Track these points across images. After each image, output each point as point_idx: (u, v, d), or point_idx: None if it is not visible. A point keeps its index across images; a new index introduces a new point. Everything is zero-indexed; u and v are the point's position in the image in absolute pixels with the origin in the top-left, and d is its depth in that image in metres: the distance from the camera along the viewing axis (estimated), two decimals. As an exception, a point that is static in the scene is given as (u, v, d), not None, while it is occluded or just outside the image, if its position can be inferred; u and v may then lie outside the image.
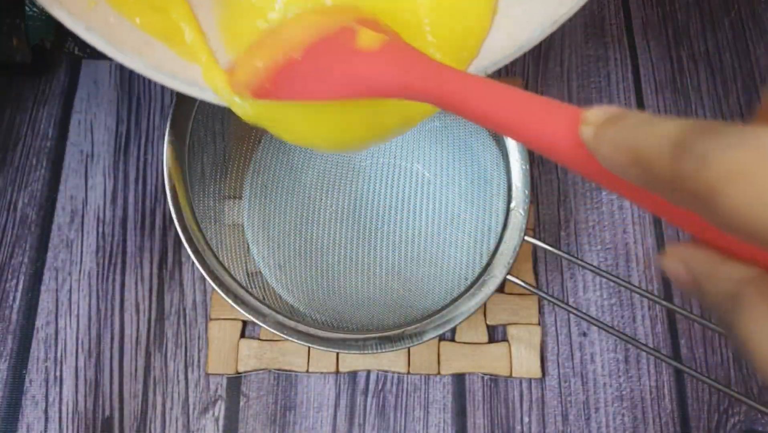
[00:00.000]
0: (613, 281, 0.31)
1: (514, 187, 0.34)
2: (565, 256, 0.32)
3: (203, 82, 0.28)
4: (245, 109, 0.28)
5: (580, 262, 0.32)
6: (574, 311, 0.31)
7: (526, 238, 0.33)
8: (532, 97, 0.19)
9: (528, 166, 0.34)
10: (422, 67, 0.23)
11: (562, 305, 0.32)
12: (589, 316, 0.31)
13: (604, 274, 0.31)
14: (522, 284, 0.33)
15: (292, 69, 0.25)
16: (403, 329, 0.32)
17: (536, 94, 0.19)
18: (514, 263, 0.32)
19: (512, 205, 0.33)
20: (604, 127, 0.15)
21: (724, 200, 0.12)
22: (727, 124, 0.12)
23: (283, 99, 0.26)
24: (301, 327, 0.32)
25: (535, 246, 0.41)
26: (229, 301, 0.32)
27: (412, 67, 0.23)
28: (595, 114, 0.16)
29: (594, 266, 0.31)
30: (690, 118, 0.16)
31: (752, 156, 0.11)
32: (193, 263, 0.41)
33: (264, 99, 0.26)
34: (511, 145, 0.34)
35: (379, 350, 0.31)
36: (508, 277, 0.32)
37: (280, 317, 0.32)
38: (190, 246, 0.32)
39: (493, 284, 0.32)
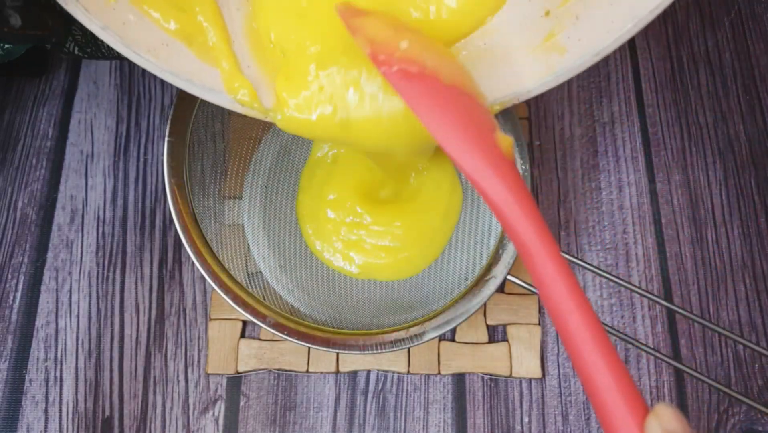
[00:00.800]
0: (613, 281, 0.31)
1: None
2: (565, 255, 0.32)
3: (222, 87, 0.28)
4: (275, 118, 0.28)
5: (580, 262, 0.32)
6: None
7: None
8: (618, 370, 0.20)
9: (528, 166, 0.34)
10: (528, 214, 0.22)
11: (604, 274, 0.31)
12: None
13: (604, 274, 0.31)
14: (522, 284, 0.33)
15: (431, 84, 0.24)
16: (403, 329, 0.32)
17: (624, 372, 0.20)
18: (514, 262, 0.33)
19: None
20: None
21: None
22: None
23: (394, 84, 0.24)
24: (301, 327, 0.32)
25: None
26: (229, 301, 0.32)
27: (520, 205, 0.22)
28: (667, 416, 0.18)
29: (594, 266, 0.31)
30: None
31: None
32: (193, 263, 0.41)
33: (400, 84, 0.24)
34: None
35: (379, 350, 0.31)
36: (509, 277, 0.33)
37: (280, 317, 0.32)
38: (190, 246, 0.32)
39: (493, 284, 0.32)
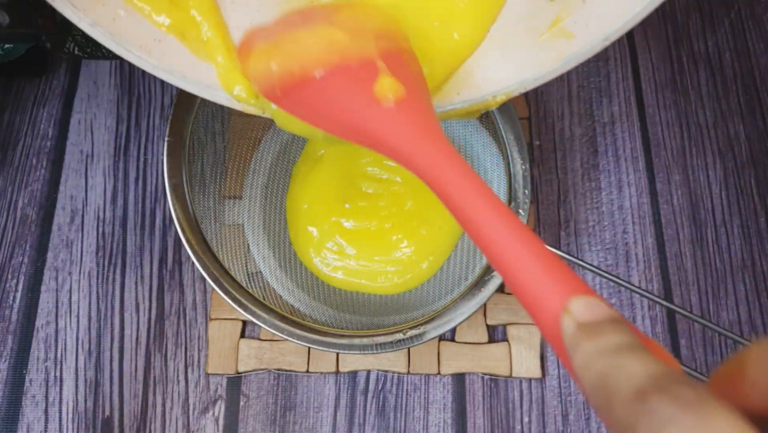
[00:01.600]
0: (613, 281, 0.31)
1: (514, 187, 0.34)
2: (565, 256, 0.32)
3: (218, 83, 0.27)
4: (270, 111, 0.27)
5: (579, 261, 0.32)
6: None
7: None
8: (535, 249, 0.18)
9: (528, 166, 0.34)
10: (429, 147, 0.22)
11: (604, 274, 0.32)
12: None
13: (604, 274, 0.31)
14: None
15: (306, 87, 0.24)
16: (403, 329, 0.32)
17: (541, 246, 0.18)
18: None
19: (512, 205, 0.33)
20: (583, 335, 0.15)
21: None
22: (688, 386, 0.13)
23: (288, 112, 0.26)
24: (301, 327, 0.32)
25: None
26: (229, 301, 0.32)
27: (418, 144, 0.22)
28: (579, 308, 0.16)
29: (594, 266, 0.31)
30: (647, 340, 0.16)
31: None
32: (193, 263, 0.41)
33: (271, 102, 0.26)
34: (512, 145, 0.35)
35: (379, 350, 0.31)
36: None
37: (280, 317, 0.32)
38: (190, 246, 0.32)
39: (493, 284, 0.32)
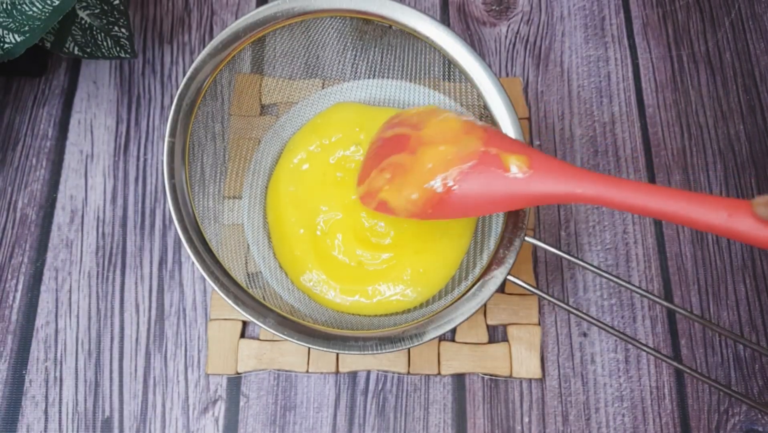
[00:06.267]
0: (613, 281, 0.31)
1: None
2: (565, 256, 0.32)
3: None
4: None
5: (579, 261, 0.32)
6: (574, 311, 0.31)
7: (527, 238, 0.33)
8: (702, 197, 0.25)
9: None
10: (579, 178, 0.28)
11: (562, 305, 0.32)
12: (589, 316, 0.31)
13: (604, 274, 0.31)
14: (522, 284, 0.33)
15: (450, 201, 0.31)
16: (403, 329, 0.32)
17: (690, 192, 0.25)
18: (514, 263, 0.32)
19: None
20: None
21: None
22: None
23: (442, 218, 0.32)
24: (301, 327, 0.32)
25: (535, 246, 0.41)
26: (230, 301, 0.32)
27: (567, 181, 0.28)
28: (762, 199, 0.23)
29: (594, 266, 0.31)
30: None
31: None
32: (193, 263, 0.41)
33: (424, 219, 0.32)
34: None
35: (379, 350, 0.31)
36: (509, 277, 0.32)
37: (280, 318, 0.32)
38: (190, 246, 0.32)
39: (493, 284, 0.32)
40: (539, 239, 0.37)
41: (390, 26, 0.37)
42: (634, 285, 0.31)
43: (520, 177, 0.29)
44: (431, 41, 0.36)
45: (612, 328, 0.31)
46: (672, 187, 0.25)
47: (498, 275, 0.32)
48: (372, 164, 0.35)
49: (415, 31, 0.36)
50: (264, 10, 0.36)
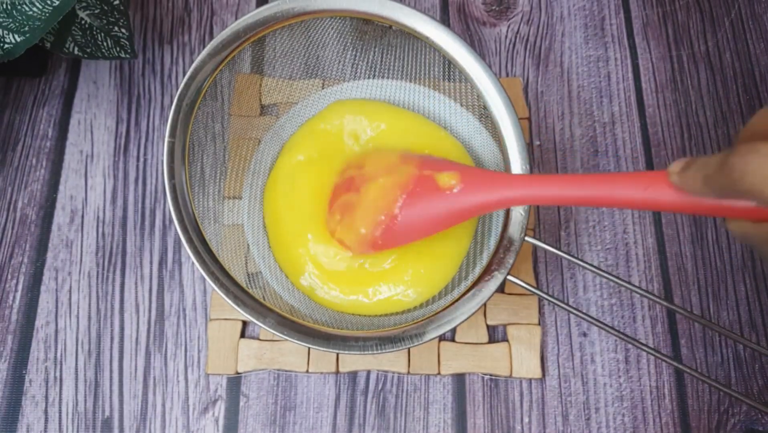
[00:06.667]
0: (613, 281, 0.31)
1: None
2: (565, 255, 0.32)
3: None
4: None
5: (579, 261, 0.32)
6: (574, 311, 0.31)
7: (527, 238, 0.33)
8: (621, 175, 0.26)
9: (528, 167, 0.34)
10: (510, 185, 0.30)
11: (562, 305, 0.32)
12: (589, 316, 0.31)
13: (604, 274, 0.31)
14: (522, 284, 0.33)
15: (394, 226, 0.33)
16: (403, 329, 0.32)
17: (614, 173, 0.27)
18: (514, 263, 0.32)
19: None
20: (683, 172, 0.23)
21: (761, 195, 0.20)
22: (749, 148, 0.20)
23: (393, 247, 0.34)
24: (301, 327, 0.32)
25: (535, 246, 0.41)
26: (229, 301, 0.32)
27: (497, 188, 0.30)
28: (675, 166, 0.24)
29: (594, 266, 0.31)
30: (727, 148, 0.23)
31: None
32: (193, 263, 0.41)
33: (375, 252, 0.35)
34: (512, 145, 0.34)
35: (379, 350, 0.31)
36: (509, 277, 0.32)
37: (280, 318, 0.32)
38: (190, 246, 0.32)
39: (493, 284, 0.32)
40: (539, 239, 0.37)
41: (390, 26, 0.37)
42: (634, 285, 0.31)
43: (454, 192, 0.31)
44: (431, 41, 0.36)
45: (612, 328, 0.31)
46: (596, 173, 0.28)
47: (498, 276, 0.32)
48: (329, 208, 0.37)
49: (415, 32, 0.36)
50: (264, 11, 0.36)
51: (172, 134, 0.34)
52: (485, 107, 0.35)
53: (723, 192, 0.22)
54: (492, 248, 0.34)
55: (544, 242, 0.33)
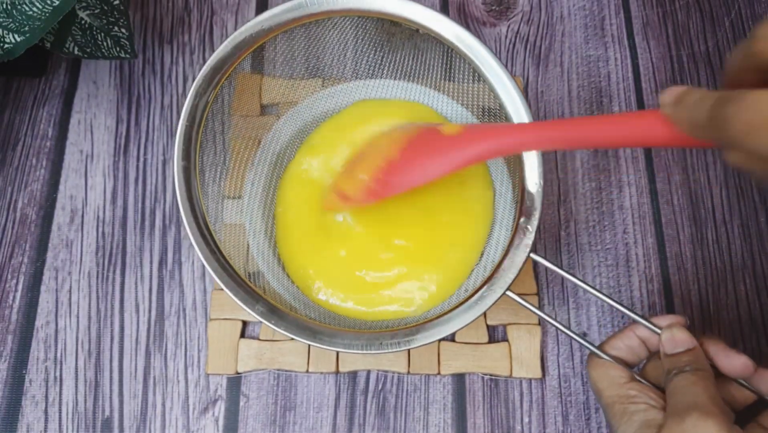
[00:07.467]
0: (616, 307, 0.30)
1: (525, 202, 0.33)
2: (569, 277, 0.31)
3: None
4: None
5: (581, 283, 0.31)
6: (574, 336, 0.31)
7: (532, 256, 0.32)
8: (615, 116, 0.27)
9: (542, 182, 0.33)
10: (509, 130, 0.30)
11: (568, 332, 0.31)
12: (586, 341, 0.31)
13: (606, 299, 0.30)
14: (522, 302, 0.32)
15: (394, 168, 0.32)
16: (403, 330, 0.32)
17: (602, 116, 0.27)
18: (515, 279, 0.32)
19: (521, 220, 0.33)
20: (674, 106, 0.23)
21: (746, 143, 0.20)
22: (739, 93, 0.20)
23: (393, 194, 0.33)
24: (304, 325, 0.32)
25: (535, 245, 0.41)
26: (238, 301, 0.32)
27: (498, 134, 0.30)
28: (666, 97, 0.23)
29: (597, 289, 0.30)
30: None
31: (757, 115, 0.19)
32: (193, 262, 0.41)
33: (375, 200, 0.33)
34: (528, 162, 0.34)
35: (379, 350, 0.31)
36: (508, 293, 0.32)
37: (283, 315, 0.32)
38: (198, 245, 0.32)
39: (491, 298, 0.32)
40: (540, 239, 0.37)
41: (398, 24, 0.36)
42: (637, 313, 0.30)
43: (453, 134, 0.31)
44: (441, 37, 0.35)
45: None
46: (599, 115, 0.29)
47: (497, 290, 0.32)
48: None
49: (431, 30, 0.35)
50: (268, 20, 0.35)
51: (186, 158, 0.34)
52: (501, 107, 0.34)
53: (717, 141, 0.22)
54: (496, 261, 0.33)
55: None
